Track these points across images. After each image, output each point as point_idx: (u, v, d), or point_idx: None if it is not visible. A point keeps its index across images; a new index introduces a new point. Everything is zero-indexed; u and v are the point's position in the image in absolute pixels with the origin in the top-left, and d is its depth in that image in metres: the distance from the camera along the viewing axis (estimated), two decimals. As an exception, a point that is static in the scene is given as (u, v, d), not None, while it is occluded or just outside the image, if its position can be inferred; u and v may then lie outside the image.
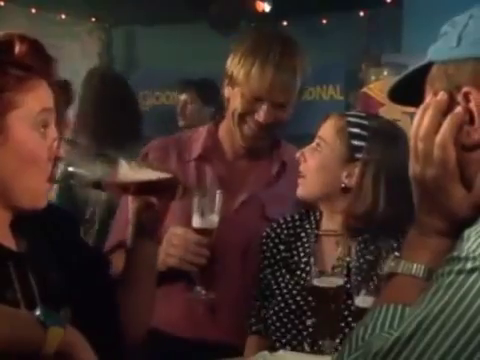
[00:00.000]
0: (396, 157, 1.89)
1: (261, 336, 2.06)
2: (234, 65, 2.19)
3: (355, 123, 2.01)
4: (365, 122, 2.02)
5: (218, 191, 2.05)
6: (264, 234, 2.14)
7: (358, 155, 1.99)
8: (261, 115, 2.16)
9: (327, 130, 2.04)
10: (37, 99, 1.43)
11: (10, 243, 1.45)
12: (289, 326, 1.98)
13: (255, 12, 6.43)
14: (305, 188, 2.05)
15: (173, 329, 2.22)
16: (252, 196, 2.25)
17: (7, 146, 1.39)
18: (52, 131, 1.45)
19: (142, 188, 1.57)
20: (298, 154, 2.08)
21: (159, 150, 2.29)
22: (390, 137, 2.00)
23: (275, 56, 2.14)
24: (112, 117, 3.24)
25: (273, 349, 1.90)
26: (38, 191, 1.45)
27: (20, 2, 7.51)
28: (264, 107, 2.15)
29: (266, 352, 1.81)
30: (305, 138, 2.17)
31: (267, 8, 6.48)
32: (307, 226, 2.10)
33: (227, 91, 2.23)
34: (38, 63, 1.44)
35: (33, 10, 7.73)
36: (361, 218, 1.96)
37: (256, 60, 2.14)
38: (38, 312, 1.25)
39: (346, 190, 2.00)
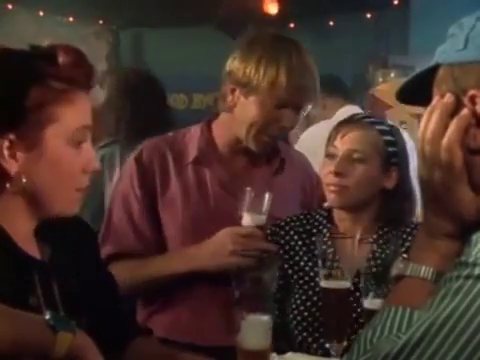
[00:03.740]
0: None
1: None
2: (252, 74, 2.12)
3: (386, 131, 2.08)
4: (389, 128, 2.11)
5: (267, 193, 2.06)
6: (268, 232, 2.12)
7: (393, 160, 2.08)
8: (287, 121, 2.14)
9: (362, 141, 2.04)
10: (76, 113, 1.44)
11: (34, 251, 1.49)
12: (310, 330, 1.98)
13: (262, 14, 6.44)
14: (348, 199, 2.04)
15: (209, 339, 2.20)
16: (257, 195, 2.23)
17: (43, 159, 1.41)
18: (88, 145, 1.47)
19: None
20: (327, 171, 2.05)
21: (154, 151, 2.26)
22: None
23: (296, 60, 2.11)
24: (143, 108, 3.29)
25: (281, 351, 1.89)
26: (68, 200, 1.49)
27: (28, 5, 7.54)
28: (288, 112, 2.13)
29: (274, 354, 1.80)
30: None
31: (274, 10, 6.49)
32: (314, 230, 2.09)
33: (232, 98, 2.17)
34: (80, 75, 1.44)
35: (41, 13, 7.75)
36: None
37: (280, 67, 2.10)
38: (48, 316, 1.26)
39: (382, 191, 2.07)
